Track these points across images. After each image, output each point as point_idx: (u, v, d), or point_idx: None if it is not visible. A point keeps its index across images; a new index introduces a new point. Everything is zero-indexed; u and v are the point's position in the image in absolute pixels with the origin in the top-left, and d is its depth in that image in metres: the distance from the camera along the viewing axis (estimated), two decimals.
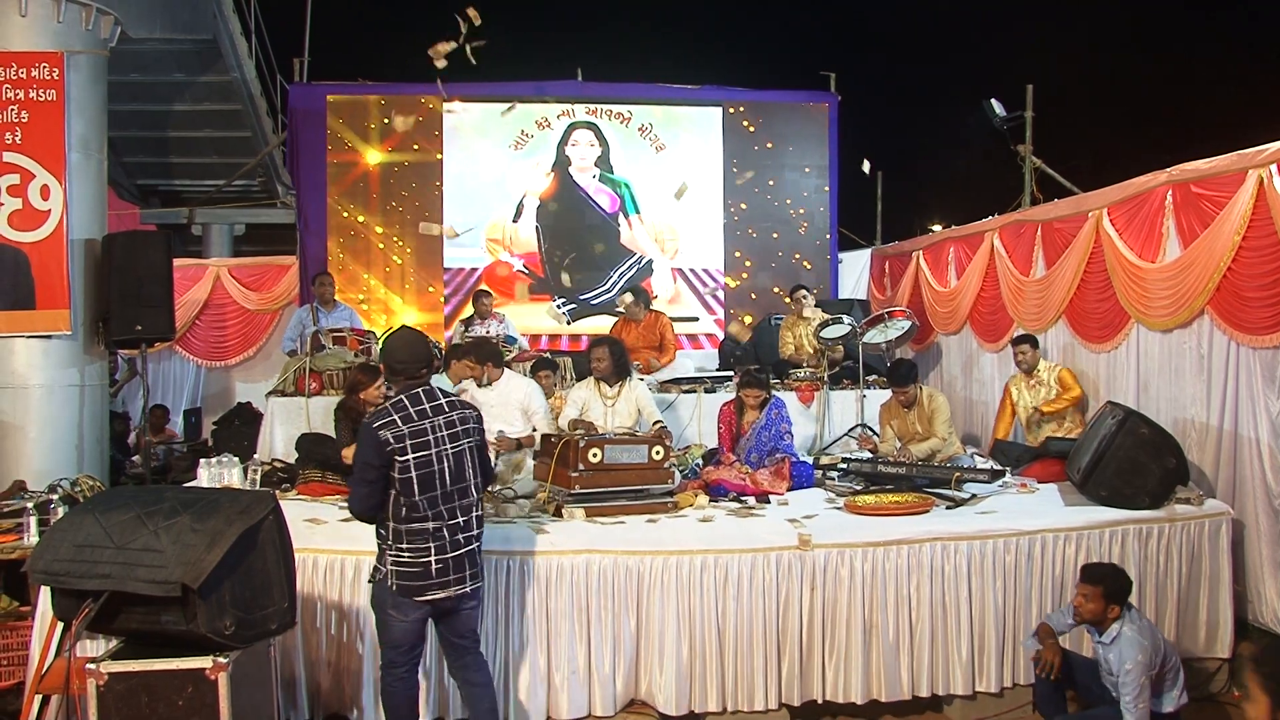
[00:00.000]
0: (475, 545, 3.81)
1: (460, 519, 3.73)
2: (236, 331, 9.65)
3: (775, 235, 10.04)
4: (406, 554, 3.64)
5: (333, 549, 4.35)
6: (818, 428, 7.27)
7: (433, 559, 3.65)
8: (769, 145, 10.01)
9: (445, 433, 3.69)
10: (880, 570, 4.45)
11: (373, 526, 3.74)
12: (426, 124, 9.59)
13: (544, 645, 4.33)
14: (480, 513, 3.86)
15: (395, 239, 9.57)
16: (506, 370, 6.10)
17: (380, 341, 7.52)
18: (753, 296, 10.00)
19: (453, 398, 3.83)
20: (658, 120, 9.89)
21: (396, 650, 3.74)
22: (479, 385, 5.81)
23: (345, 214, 9.50)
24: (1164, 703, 3.92)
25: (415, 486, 3.61)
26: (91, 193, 6.78)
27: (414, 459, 3.61)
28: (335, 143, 9.46)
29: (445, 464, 3.68)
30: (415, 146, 9.58)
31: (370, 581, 3.79)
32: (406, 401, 3.68)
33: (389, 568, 3.67)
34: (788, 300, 8.42)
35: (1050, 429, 6.32)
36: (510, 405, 5.79)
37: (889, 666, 4.43)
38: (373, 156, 9.53)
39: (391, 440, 3.58)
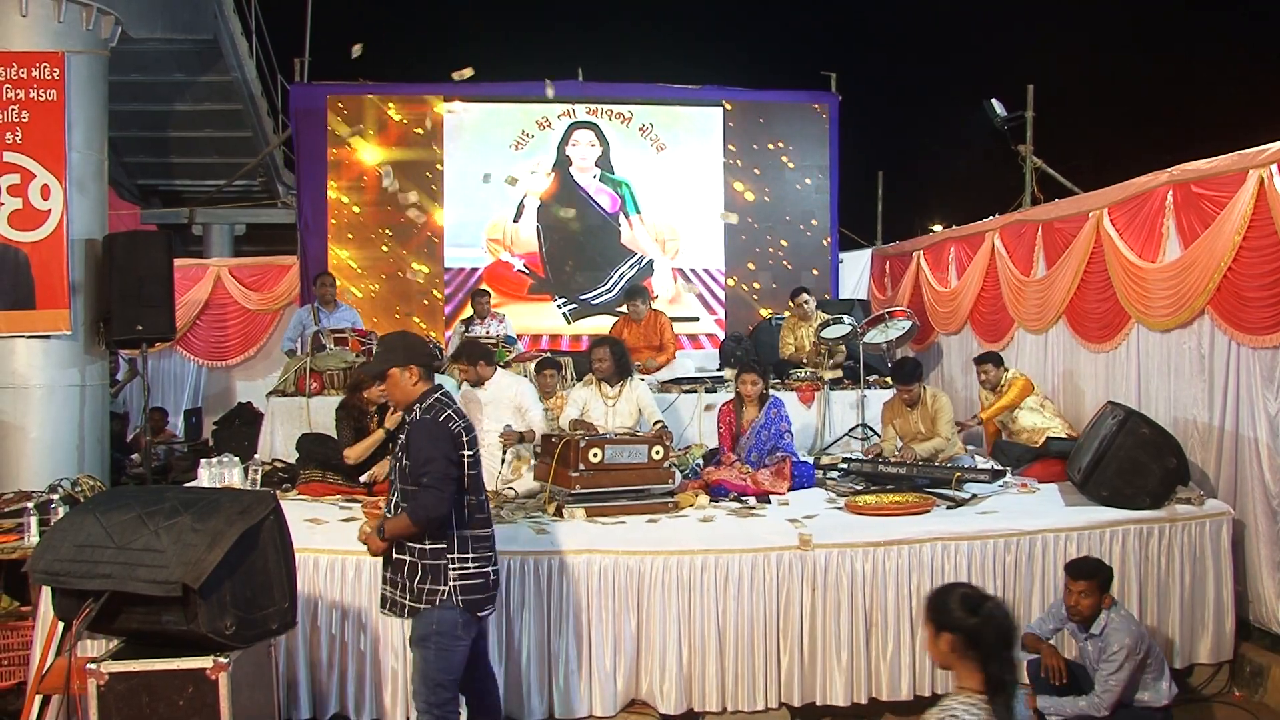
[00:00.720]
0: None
1: (491, 527, 3.62)
2: (237, 331, 9.65)
3: (776, 235, 10.03)
4: (473, 564, 3.43)
5: (333, 549, 4.35)
6: (818, 428, 7.27)
7: (491, 568, 3.50)
8: (769, 145, 10.01)
9: (473, 435, 3.58)
10: (881, 570, 4.45)
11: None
12: (427, 123, 9.59)
13: (544, 645, 4.33)
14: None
15: (396, 239, 9.57)
16: (498, 369, 6.11)
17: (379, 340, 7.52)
18: (754, 298, 10.00)
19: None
20: (658, 120, 9.89)
21: (453, 680, 3.47)
22: (472, 385, 5.81)
23: (346, 214, 9.50)
24: (1157, 695, 3.92)
25: (477, 483, 3.48)
26: (92, 193, 6.78)
27: (472, 455, 3.48)
28: (336, 142, 9.46)
29: (481, 466, 3.57)
30: (420, 142, 9.58)
31: (424, 609, 3.41)
32: (446, 399, 3.55)
33: (452, 584, 3.40)
34: (790, 304, 8.40)
35: (1027, 436, 6.29)
36: (503, 403, 5.81)
37: (890, 666, 4.44)
38: (373, 156, 9.53)
39: (462, 433, 3.44)
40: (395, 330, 5.09)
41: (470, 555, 3.43)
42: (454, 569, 3.39)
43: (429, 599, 3.40)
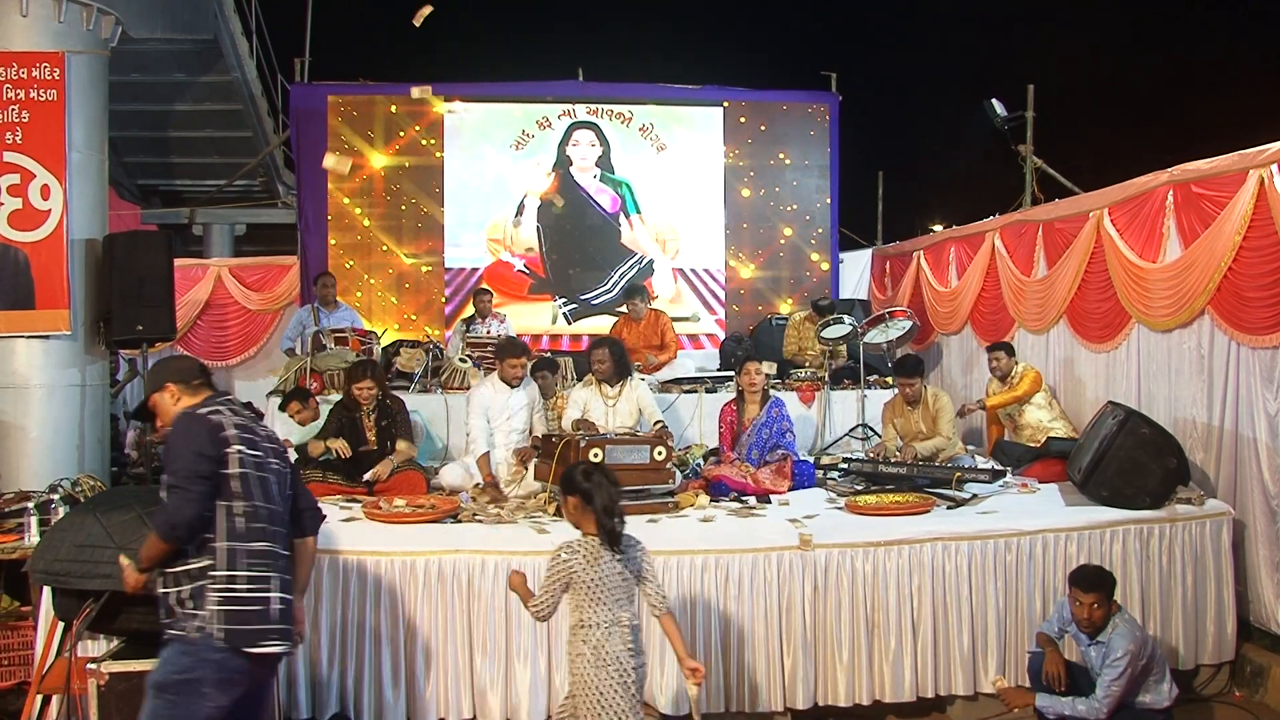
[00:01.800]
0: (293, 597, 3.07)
1: (285, 550, 3.05)
2: (237, 331, 9.65)
3: (776, 235, 10.04)
4: (243, 584, 2.82)
5: (333, 549, 4.34)
6: (818, 427, 7.27)
7: (274, 593, 2.88)
8: (769, 145, 10.01)
9: (266, 443, 3.07)
10: (881, 570, 4.45)
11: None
12: (427, 123, 9.60)
13: (545, 645, 4.33)
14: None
15: (396, 238, 9.57)
16: None
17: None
18: (754, 298, 10.00)
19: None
20: (658, 120, 9.88)
21: None
22: (511, 387, 5.75)
23: (346, 214, 9.50)
24: (1158, 697, 3.93)
25: (255, 488, 2.92)
26: (92, 193, 6.78)
27: (249, 455, 2.93)
28: (336, 142, 9.45)
29: (271, 476, 3.02)
30: (420, 143, 9.58)
31: (175, 638, 2.84)
32: (219, 400, 3.06)
33: (212, 610, 2.78)
34: (817, 319, 8.23)
35: (1030, 430, 6.30)
36: (525, 405, 5.81)
37: (892, 667, 4.43)
38: (373, 157, 9.52)
39: (225, 426, 2.91)
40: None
41: (243, 574, 2.83)
42: (216, 592, 2.79)
43: (183, 626, 2.82)
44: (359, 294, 9.40)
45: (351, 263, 9.48)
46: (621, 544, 3.29)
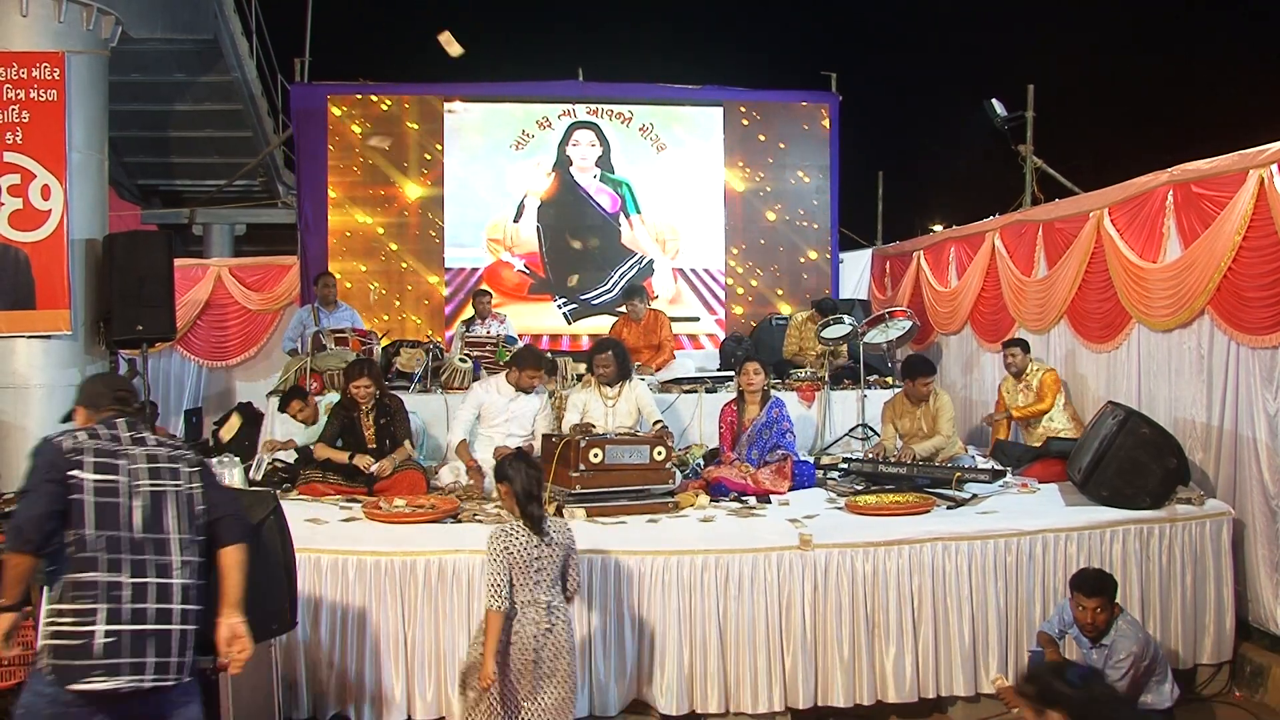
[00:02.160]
0: (176, 627, 2.79)
1: (152, 579, 2.78)
2: (237, 331, 9.64)
3: (776, 235, 10.03)
4: (68, 618, 2.68)
5: (334, 549, 4.35)
6: (818, 427, 7.26)
7: (100, 626, 2.67)
8: (770, 145, 10.00)
9: (144, 465, 2.87)
10: (882, 570, 4.45)
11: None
12: (428, 123, 9.59)
13: None
14: (191, 582, 2.86)
15: (396, 239, 9.56)
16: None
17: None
18: (754, 298, 10.00)
19: (169, 440, 3.09)
20: (659, 120, 9.87)
21: None
22: (520, 392, 5.72)
23: (346, 213, 9.49)
24: (1160, 698, 3.93)
25: (89, 516, 2.75)
26: (92, 193, 6.78)
27: (94, 481, 2.77)
28: (336, 142, 9.45)
29: (136, 502, 2.82)
30: (418, 140, 9.58)
31: (30, 675, 2.79)
32: (98, 426, 2.93)
33: (44, 644, 2.69)
34: (817, 319, 8.16)
35: (1042, 430, 6.32)
36: (529, 412, 5.80)
37: (893, 667, 4.43)
38: (373, 156, 9.52)
39: (67, 449, 2.79)
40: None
41: (67, 607, 2.69)
42: (48, 624, 2.72)
43: (33, 667, 2.77)
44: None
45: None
46: (546, 529, 3.56)
